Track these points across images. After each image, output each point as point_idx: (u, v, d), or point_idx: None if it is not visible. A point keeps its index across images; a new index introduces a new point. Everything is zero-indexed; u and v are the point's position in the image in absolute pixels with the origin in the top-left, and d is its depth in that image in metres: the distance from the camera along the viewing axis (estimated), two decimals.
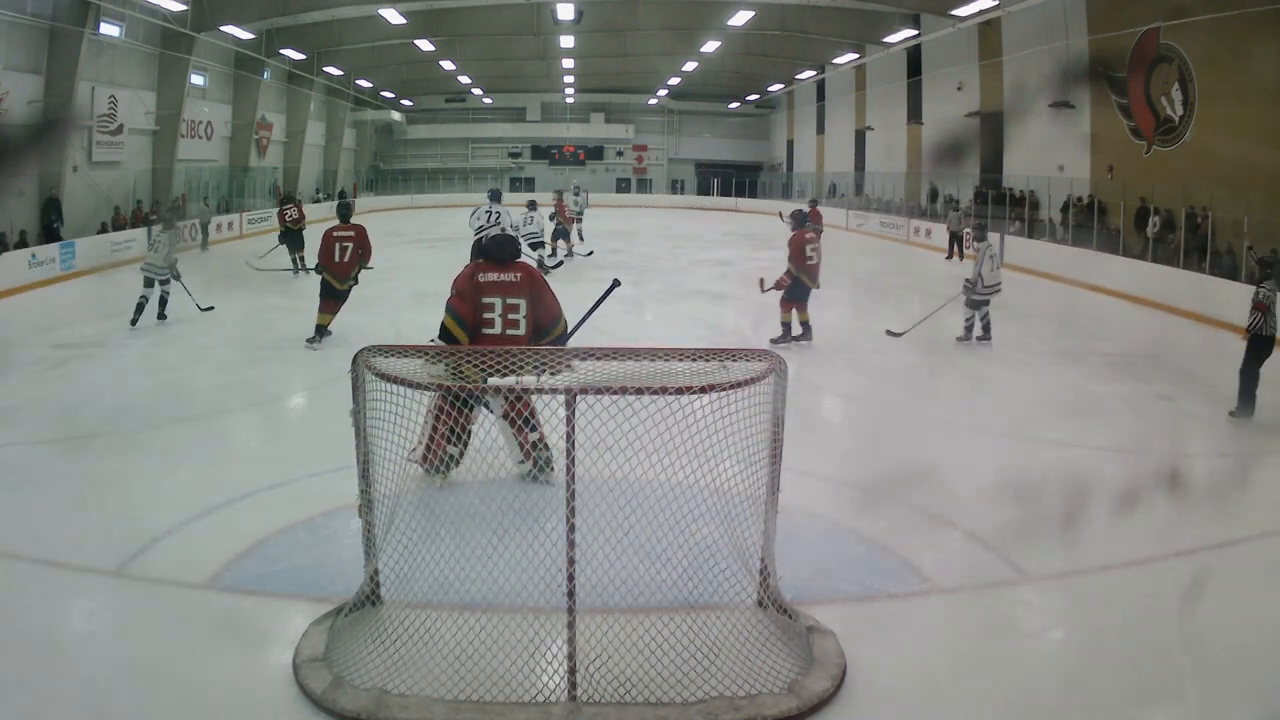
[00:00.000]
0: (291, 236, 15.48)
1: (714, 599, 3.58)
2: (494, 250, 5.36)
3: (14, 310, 11.98)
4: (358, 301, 12.23)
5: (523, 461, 5.11)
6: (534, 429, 4.99)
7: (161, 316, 10.99)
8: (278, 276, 14.55)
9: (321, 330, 9.71)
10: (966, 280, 10.06)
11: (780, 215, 19.28)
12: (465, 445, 4.91)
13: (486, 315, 5.11)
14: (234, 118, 26.07)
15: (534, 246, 14.64)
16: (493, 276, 5.20)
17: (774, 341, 9.41)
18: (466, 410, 4.28)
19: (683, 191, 41.17)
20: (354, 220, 10.02)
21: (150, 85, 20.94)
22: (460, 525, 3.57)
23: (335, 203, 12.16)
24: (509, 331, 5.11)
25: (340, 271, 9.59)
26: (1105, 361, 9.57)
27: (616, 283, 5.91)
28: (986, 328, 10.12)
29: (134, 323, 10.64)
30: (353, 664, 3.32)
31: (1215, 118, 14.72)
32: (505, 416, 4.91)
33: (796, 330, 9.61)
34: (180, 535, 4.59)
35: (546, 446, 5.04)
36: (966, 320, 10.21)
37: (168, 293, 11.02)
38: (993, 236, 10.29)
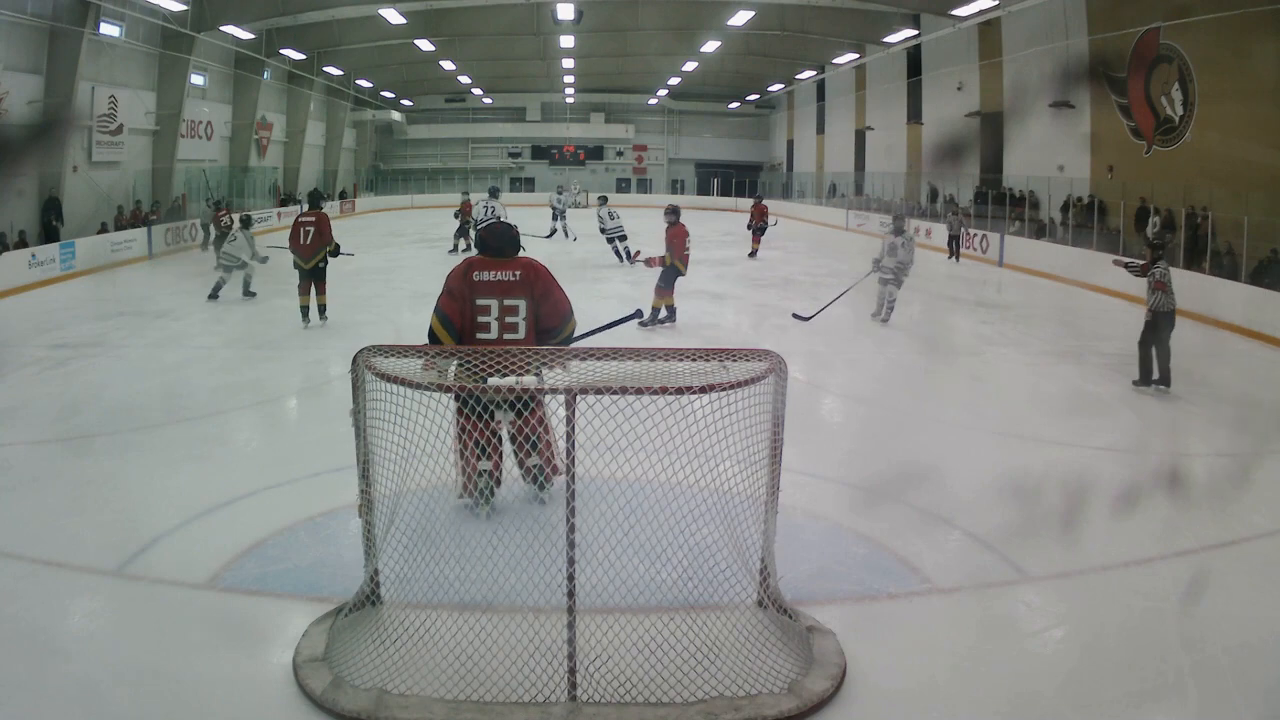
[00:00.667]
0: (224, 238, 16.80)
1: (714, 599, 3.58)
2: (491, 242, 4.85)
3: (14, 310, 11.98)
4: (358, 301, 12.30)
5: (523, 478, 4.89)
6: (533, 454, 4.66)
7: (249, 294, 12.69)
8: (278, 277, 14.54)
9: (306, 310, 10.52)
10: (900, 262, 11.03)
11: (774, 221, 19.71)
12: (499, 459, 4.59)
13: (481, 319, 4.64)
14: (234, 118, 26.07)
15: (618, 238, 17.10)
16: (488, 275, 4.69)
17: (643, 324, 10.21)
18: (487, 419, 3.94)
19: (683, 191, 41.18)
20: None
21: (150, 85, 20.94)
22: (460, 525, 3.57)
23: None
24: (506, 335, 4.64)
25: (303, 252, 10.32)
26: (1105, 361, 9.58)
27: (639, 313, 5.65)
28: (890, 308, 11.27)
29: (213, 297, 12.50)
30: (353, 664, 3.32)
31: (1215, 118, 14.72)
32: (509, 434, 4.71)
33: (662, 314, 10.58)
34: (180, 535, 4.59)
35: (544, 471, 4.72)
36: (880, 296, 11.34)
37: (249, 275, 12.78)
38: (911, 233, 11.88)
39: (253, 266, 12.72)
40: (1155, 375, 8.22)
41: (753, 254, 18.91)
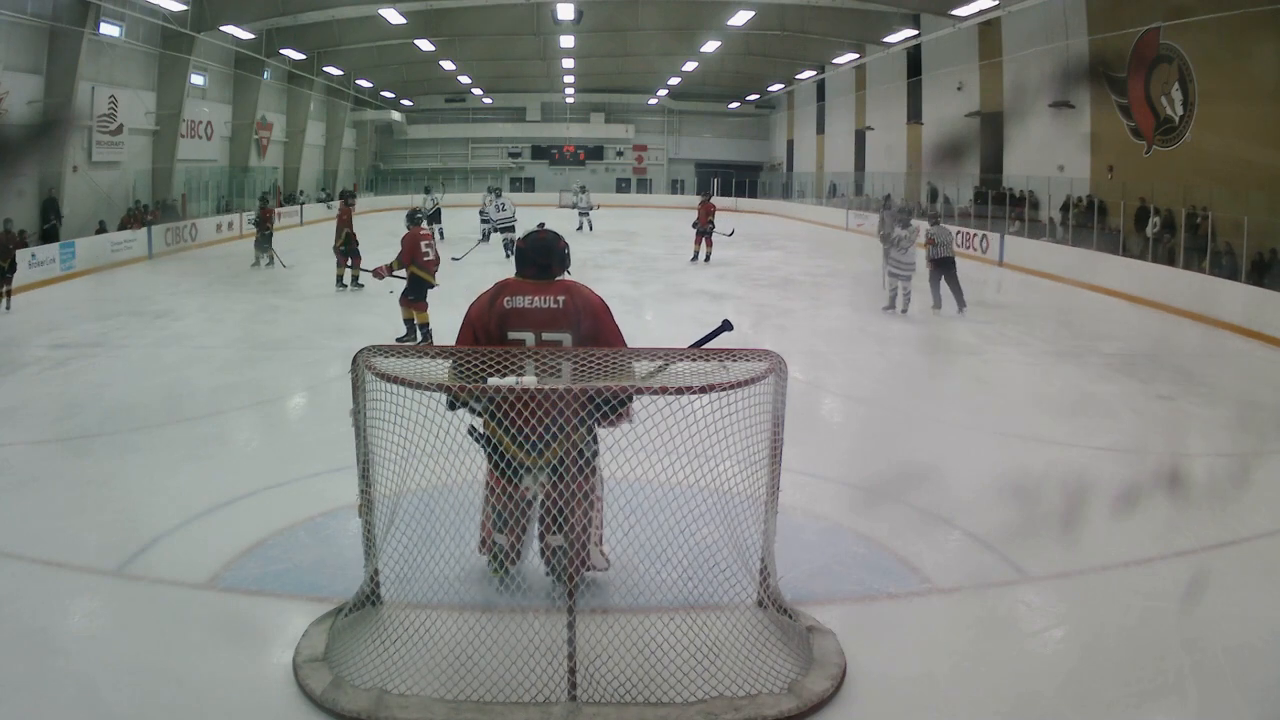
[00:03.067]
0: None
1: (714, 599, 3.57)
2: (533, 256, 3.81)
3: (14, 310, 11.97)
4: (358, 301, 12.32)
5: (541, 558, 3.91)
6: (557, 532, 3.56)
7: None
8: (280, 276, 14.59)
9: (339, 279, 13.36)
10: (905, 252, 11.68)
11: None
12: (520, 538, 3.79)
13: None
14: (234, 118, 26.08)
15: (506, 230, 17.94)
16: (523, 301, 3.70)
17: (400, 339, 9.20)
18: (514, 485, 3.54)
19: (683, 191, 41.19)
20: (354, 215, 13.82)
21: (150, 85, 20.95)
22: (460, 525, 3.56)
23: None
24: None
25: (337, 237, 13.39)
26: (1105, 361, 9.57)
27: (727, 325, 3.96)
28: (907, 299, 11.79)
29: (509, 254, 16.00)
30: (353, 664, 3.32)
31: (1215, 118, 14.72)
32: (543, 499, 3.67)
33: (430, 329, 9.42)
34: (180, 535, 4.59)
35: (567, 555, 3.43)
36: (890, 289, 11.89)
37: (510, 240, 16.55)
38: (917, 223, 12.35)
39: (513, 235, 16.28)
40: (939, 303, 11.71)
41: (702, 257, 17.49)
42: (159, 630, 3.68)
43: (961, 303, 11.83)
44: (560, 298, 3.71)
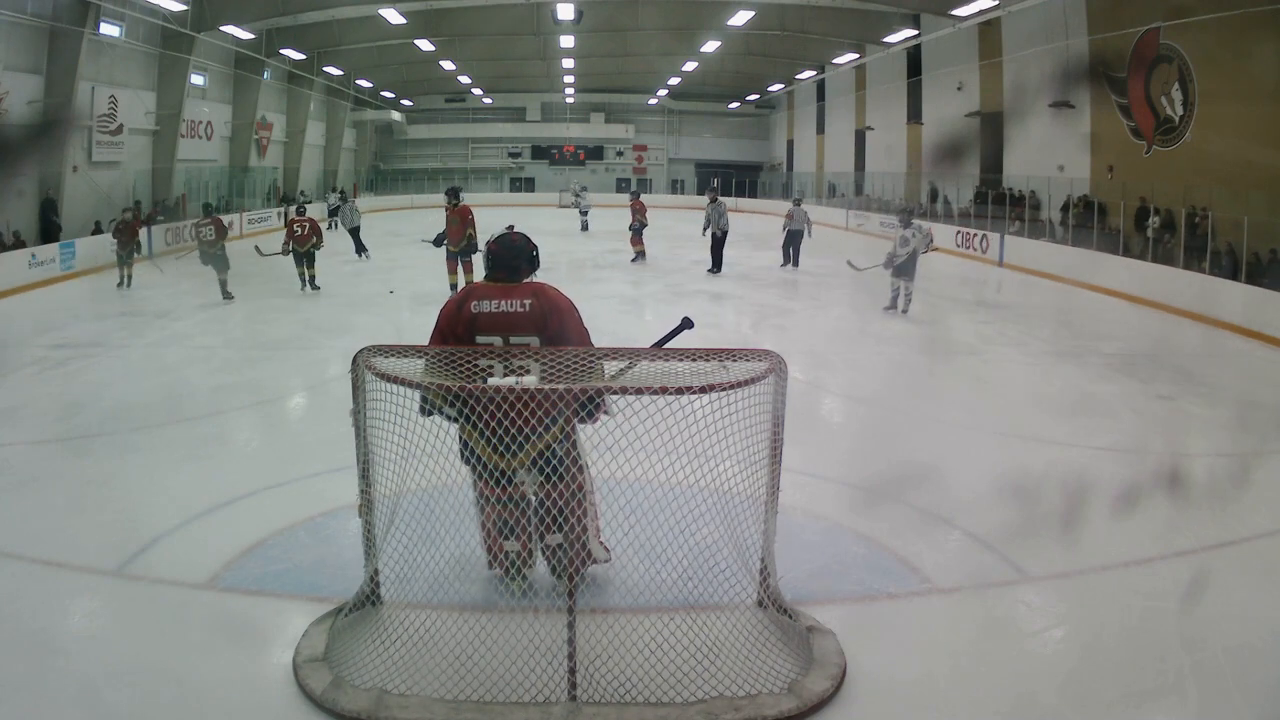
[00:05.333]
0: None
1: (714, 599, 3.57)
2: (503, 257, 3.82)
3: (14, 310, 11.98)
4: (358, 302, 12.31)
5: (544, 557, 3.94)
6: (558, 530, 3.57)
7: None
8: (279, 276, 14.56)
9: (454, 287, 12.50)
10: (913, 251, 11.56)
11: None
12: (527, 541, 3.83)
13: None
14: (234, 118, 26.08)
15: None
16: (490, 305, 3.69)
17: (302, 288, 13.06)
18: (507, 489, 3.55)
19: (683, 191, 41.19)
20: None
21: (150, 85, 20.95)
22: (460, 525, 3.56)
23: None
24: None
25: (453, 237, 12.70)
26: (1105, 361, 9.57)
27: (688, 322, 4.00)
28: (908, 299, 11.67)
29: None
30: (353, 664, 3.32)
31: (1215, 118, 14.71)
32: (537, 500, 3.71)
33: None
34: (180, 535, 4.59)
35: (567, 553, 3.45)
36: (893, 289, 11.78)
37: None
38: (920, 223, 12.44)
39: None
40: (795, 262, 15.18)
41: (637, 257, 17.40)
42: (159, 630, 3.68)
43: (796, 263, 16.13)
44: (528, 300, 3.70)
